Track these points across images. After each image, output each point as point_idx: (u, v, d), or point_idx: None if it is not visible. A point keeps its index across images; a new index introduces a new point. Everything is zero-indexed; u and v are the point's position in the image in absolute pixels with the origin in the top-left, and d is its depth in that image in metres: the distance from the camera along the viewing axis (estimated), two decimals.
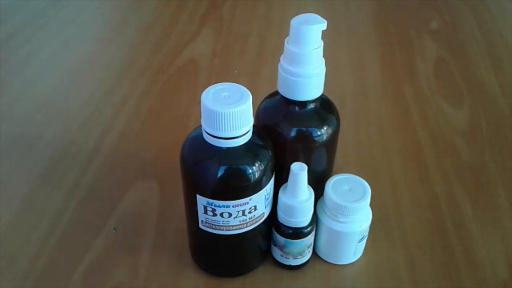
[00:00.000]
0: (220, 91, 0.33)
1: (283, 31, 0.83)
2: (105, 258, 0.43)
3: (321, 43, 0.36)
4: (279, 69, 0.37)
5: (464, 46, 0.74)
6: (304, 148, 0.39)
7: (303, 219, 0.38)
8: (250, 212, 0.35)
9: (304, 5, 0.85)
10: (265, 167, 0.34)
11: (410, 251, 0.44)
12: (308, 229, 0.39)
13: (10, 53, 0.71)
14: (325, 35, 0.35)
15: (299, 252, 0.40)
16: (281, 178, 0.38)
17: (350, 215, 0.39)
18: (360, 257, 0.43)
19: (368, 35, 0.77)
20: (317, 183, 0.40)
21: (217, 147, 0.33)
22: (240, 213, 0.35)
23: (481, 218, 0.47)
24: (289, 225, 0.39)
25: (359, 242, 0.41)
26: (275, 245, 0.41)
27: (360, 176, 0.40)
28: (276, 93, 0.39)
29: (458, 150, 0.55)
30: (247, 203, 0.35)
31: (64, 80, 0.66)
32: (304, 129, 0.39)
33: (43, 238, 0.44)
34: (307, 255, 0.41)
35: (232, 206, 0.34)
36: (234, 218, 0.35)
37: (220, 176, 0.33)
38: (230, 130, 0.32)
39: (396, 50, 0.73)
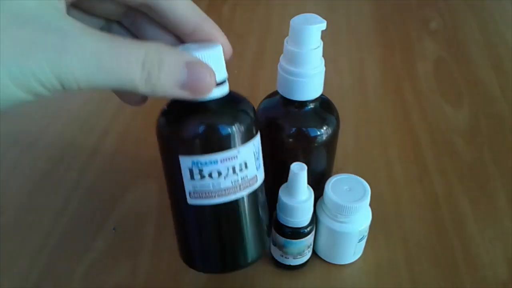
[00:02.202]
0: (190, 47, 0.32)
1: (283, 31, 0.83)
2: (105, 258, 0.43)
3: (320, 43, 0.36)
4: (279, 69, 0.37)
5: (464, 46, 0.74)
6: (303, 148, 0.39)
7: (303, 219, 0.38)
8: (241, 171, 0.33)
9: (304, 5, 0.85)
10: (248, 117, 0.33)
11: (410, 251, 0.44)
12: (308, 229, 0.39)
13: None
14: (325, 35, 0.35)
15: (299, 252, 0.40)
16: (281, 178, 0.38)
17: (350, 215, 0.39)
18: (360, 257, 0.43)
19: (368, 35, 0.77)
20: (317, 183, 0.40)
21: (193, 102, 0.31)
22: (230, 170, 0.32)
23: (481, 218, 0.47)
24: (289, 225, 0.39)
25: (359, 242, 0.41)
26: (275, 245, 0.41)
27: (360, 176, 0.40)
28: (276, 93, 0.39)
29: (457, 150, 0.55)
30: (236, 156, 0.32)
31: None
32: (303, 129, 0.39)
33: (43, 238, 0.44)
34: (307, 255, 0.41)
35: (220, 161, 0.32)
36: (224, 178, 0.32)
37: (201, 125, 0.32)
38: None
39: (396, 50, 0.73)
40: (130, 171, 0.52)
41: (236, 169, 0.32)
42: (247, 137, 0.33)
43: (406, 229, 0.46)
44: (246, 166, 0.33)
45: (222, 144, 0.31)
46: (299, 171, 0.36)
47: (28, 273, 0.42)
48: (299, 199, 0.37)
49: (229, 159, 0.32)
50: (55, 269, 0.42)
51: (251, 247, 0.36)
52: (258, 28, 0.78)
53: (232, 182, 0.33)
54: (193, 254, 0.36)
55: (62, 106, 0.61)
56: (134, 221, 0.46)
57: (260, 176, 0.35)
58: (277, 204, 0.39)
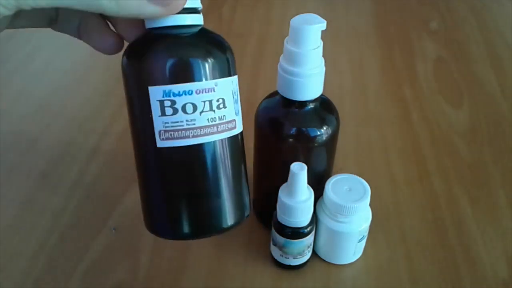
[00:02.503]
0: None
1: (283, 31, 0.83)
2: (105, 258, 0.43)
3: (320, 43, 0.36)
4: (279, 69, 0.37)
5: (464, 46, 0.74)
6: (303, 148, 0.39)
7: (303, 219, 0.38)
8: (219, 108, 0.29)
9: (304, 5, 0.85)
10: (225, 51, 0.30)
11: (410, 251, 0.44)
12: (308, 229, 0.39)
13: (10, 54, 0.71)
14: (325, 35, 0.35)
15: (299, 252, 0.40)
16: (281, 178, 0.38)
17: (350, 215, 0.39)
18: (360, 257, 0.43)
19: (368, 35, 0.77)
20: (317, 183, 0.40)
21: (163, 28, 0.28)
22: (207, 105, 0.28)
23: (481, 218, 0.47)
24: (289, 225, 0.39)
25: (358, 242, 0.41)
26: (275, 245, 0.41)
27: (360, 176, 0.40)
28: (276, 93, 0.39)
29: (458, 150, 0.55)
30: (213, 89, 0.28)
31: (63, 81, 0.66)
32: (303, 129, 0.39)
33: (43, 238, 0.44)
34: (307, 255, 0.41)
35: (196, 92, 0.28)
36: (200, 113, 0.28)
37: (177, 49, 0.28)
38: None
39: (396, 50, 0.73)
40: (130, 171, 0.51)
41: (213, 104, 0.28)
42: (225, 73, 0.29)
43: (406, 229, 0.46)
44: (224, 105, 0.29)
45: (199, 72, 0.28)
46: (299, 171, 0.36)
47: (28, 273, 0.42)
48: (299, 199, 0.37)
49: (205, 91, 0.28)
50: (55, 269, 0.42)
51: (230, 206, 0.30)
52: (258, 28, 0.78)
53: (208, 120, 0.28)
54: (160, 215, 0.31)
55: (62, 106, 0.61)
56: (134, 221, 0.46)
57: (239, 124, 0.31)
58: (277, 204, 0.39)
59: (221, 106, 0.29)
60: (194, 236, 0.31)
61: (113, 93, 0.63)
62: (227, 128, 0.29)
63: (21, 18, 0.29)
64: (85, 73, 0.68)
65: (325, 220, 0.40)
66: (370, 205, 0.40)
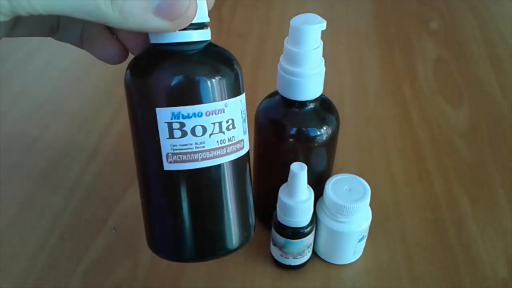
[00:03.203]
0: None
1: (283, 31, 0.83)
2: (105, 258, 0.43)
3: (320, 43, 0.36)
4: (279, 69, 0.37)
5: (464, 46, 0.74)
6: (304, 148, 0.39)
7: (303, 219, 0.38)
8: (228, 129, 0.28)
9: (304, 5, 0.85)
10: (235, 69, 0.29)
11: (410, 251, 0.44)
12: (308, 229, 0.39)
13: (10, 53, 0.71)
14: (324, 35, 0.35)
15: (299, 252, 0.40)
16: (281, 178, 0.38)
17: (350, 215, 0.39)
18: (360, 257, 0.43)
19: (367, 35, 0.77)
20: (317, 183, 0.40)
21: (168, 45, 0.27)
22: (217, 127, 0.27)
23: (481, 218, 0.47)
24: (289, 225, 0.39)
25: (358, 242, 0.41)
26: (275, 245, 0.41)
27: (360, 176, 0.40)
28: (276, 93, 0.39)
29: (458, 150, 0.55)
30: (223, 110, 0.27)
31: (63, 80, 0.66)
32: (303, 129, 0.39)
33: (43, 238, 0.44)
34: (307, 255, 0.41)
35: (206, 114, 0.27)
36: (210, 135, 0.27)
37: (187, 68, 0.27)
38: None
39: (395, 50, 0.73)
40: (130, 171, 0.51)
41: (223, 126, 0.27)
42: (234, 92, 0.28)
43: (406, 229, 0.46)
44: (233, 126, 0.28)
45: (208, 93, 0.27)
46: (299, 171, 0.36)
47: (28, 273, 0.42)
48: (299, 199, 0.37)
49: (215, 112, 0.27)
50: (55, 269, 0.42)
51: (236, 227, 0.30)
52: (258, 28, 0.78)
53: (218, 142, 0.27)
54: (163, 237, 0.30)
55: (62, 106, 0.61)
56: (134, 221, 0.46)
57: (247, 143, 0.30)
58: (277, 204, 0.39)
59: (231, 127, 0.28)
60: (199, 258, 0.31)
61: (113, 92, 0.63)
62: (235, 149, 0.28)
63: (20, 27, 0.28)
64: (85, 72, 0.68)
65: (325, 220, 0.40)
66: (370, 205, 0.40)
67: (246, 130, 0.30)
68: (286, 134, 0.39)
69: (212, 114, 0.27)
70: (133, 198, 0.49)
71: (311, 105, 0.38)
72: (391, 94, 0.64)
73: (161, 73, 0.27)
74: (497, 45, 0.74)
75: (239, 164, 0.29)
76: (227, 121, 0.28)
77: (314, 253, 0.43)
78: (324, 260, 0.43)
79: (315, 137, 0.38)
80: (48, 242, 0.44)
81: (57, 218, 0.46)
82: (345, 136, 0.44)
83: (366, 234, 0.41)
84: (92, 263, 0.42)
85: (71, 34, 0.31)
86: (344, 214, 0.39)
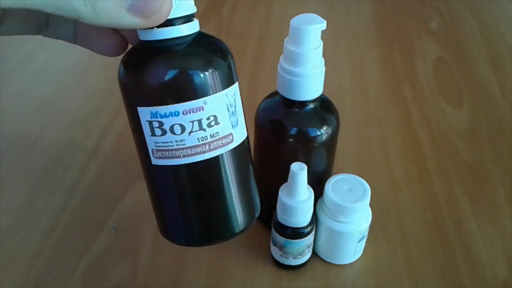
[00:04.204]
0: None
1: (283, 31, 0.83)
2: (105, 258, 0.43)
3: (320, 43, 0.36)
4: (279, 69, 0.37)
5: (464, 46, 0.74)
6: (304, 148, 0.39)
7: (303, 219, 0.38)
8: (210, 126, 0.27)
9: (304, 5, 0.85)
10: (219, 62, 0.28)
11: (410, 251, 0.44)
12: (308, 229, 0.39)
13: (10, 53, 0.71)
14: (324, 35, 0.35)
15: (299, 252, 0.40)
16: (281, 178, 0.38)
17: (350, 215, 0.39)
18: (360, 257, 0.43)
19: (368, 35, 0.77)
20: (317, 183, 0.40)
21: (152, 42, 0.27)
22: (196, 124, 0.27)
23: (481, 218, 0.47)
24: (289, 225, 0.39)
25: (358, 242, 0.41)
26: (275, 245, 0.41)
27: (360, 176, 0.40)
28: (276, 93, 0.39)
29: (458, 150, 0.55)
30: (202, 108, 0.27)
31: (64, 80, 0.66)
32: (304, 129, 0.39)
33: (43, 238, 0.44)
34: (307, 255, 0.41)
35: (183, 113, 0.27)
36: (189, 133, 0.27)
37: (157, 67, 0.27)
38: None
39: (396, 50, 0.73)
40: (130, 171, 0.52)
41: (203, 124, 0.27)
42: (218, 86, 0.27)
43: (406, 229, 0.46)
44: (216, 122, 0.28)
45: (185, 92, 0.27)
46: (299, 171, 0.36)
47: (28, 273, 0.42)
48: (299, 199, 0.37)
49: (193, 110, 0.27)
50: (55, 269, 0.42)
51: (233, 214, 0.31)
52: (258, 28, 0.78)
53: (199, 140, 0.28)
54: (168, 224, 0.31)
55: (62, 106, 0.61)
56: (134, 221, 0.46)
57: (239, 136, 0.29)
58: (277, 204, 0.39)
59: (213, 123, 0.28)
60: (204, 243, 0.32)
61: (113, 92, 0.63)
62: (221, 144, 0.28)
63: (6, 25, 0.28)
64: (85, 72, 0.68)
65: (325, 220, 0.40)
66: (370, 205, 0.40)
67: (237, 123, 0.29)
68: (286, 134, 0.39)
69: (190, 113, 0.27)
70: (133, 198, 0.49)
71: (311, 105, 0.38)
72: (391, 94, 0.64)
73: (139, 72, 0.27)
74: (497, 45, 0.74)
75: (228, 157, 0.29)
76: (208, 118, 0.27)
77: (314, 253, 0.43)
78: (324, 260, 0.43)
79: (315, 137, 0.38)
80: (48, 242, 0.44)
81: (57, 218, 0.46)
82: (345, 136, 0.44)
83: (366, 234, 0.41)
84: (92, 263, 0.42)
85: (63, 30, 0.31)
86: (344, 214, 0.39)
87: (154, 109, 0.27)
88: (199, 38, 0.28)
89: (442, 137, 0.57)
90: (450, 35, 0.77)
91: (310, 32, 0.34)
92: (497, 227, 0.46)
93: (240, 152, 0.30)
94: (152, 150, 0.28)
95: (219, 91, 0.28)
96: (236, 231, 0.30)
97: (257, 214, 0.32)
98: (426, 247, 0.44)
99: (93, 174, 0.51)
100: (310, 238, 0.40)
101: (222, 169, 0.29)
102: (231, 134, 0.29)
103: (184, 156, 0.28)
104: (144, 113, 0.27)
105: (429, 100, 0.63)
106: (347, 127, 0.51)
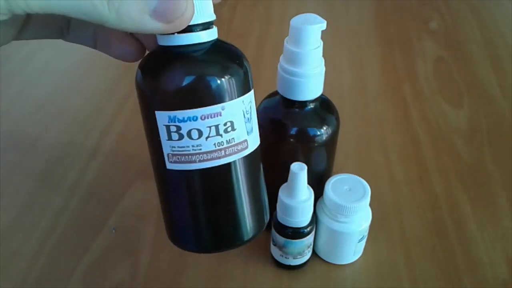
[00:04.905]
0: None
1: (283, 31, 0.82)
2: (105, 258, 0.43)
3: (320, 43, 0.36)
4: (279, 69, 0.37)
5: (464, 46, 0.74)
6: (304, 148, 0.39)
7: (303, 219, 0.38)
8: (226, 132, 0.28)
9: (304, 5, 0.85)
10: (237, 69, 0.28)
11: (410, 251, 0.44)
12: (308, 229, 0.39)
13: (10, 53, 0.71)
14: (324, 35, 0.35)
15: (299, 252, 0.40)
16: (281, 178, 0.38)
17: (350, 215, 0.39)
18: (360, 257, 0.43)
19: (368, 35, 0.77)
20: (317, 183, 0.40)
21: (172, 47, 0.27)
22: (213, 130, 0.28)
23: (481, 218, 0.47)
24: (289, 225, 0.39)
25: (359, 242, 0.41)
26: (275, 245, 0.41)
27: (360, 176, 0.40)
28: (276, 93, 0.39)
29: (457, 150, 0.55)
30: (220, 113, 0.28)
31: (64, 80, 0.66)
32: (304, 129, 0.39)
33: (43, 238, 0.44)
34: (307, 255, 0.41)
35: (201, 118, 0.27)
36: (206, 138, 0.28)
37: (177, 73, 0.27)
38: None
39: (396, 50, 0.73)
40: (130, 171, 0.52)
41: (220, 129, 0.28)
42: (235, 93, 0.28)
43: (406, 229, 0.46)
44: (233, 128, 0.28)
45: (204, 97, 0.27)
46: (299, 171, 0.36)
47: (28, 273, 0.42)
48: (299, 199, 0.37)
49: (211, 116, 0.27)
50: (55, 269, 0.42)
51: (243, 222, 0.31)
52: (258, 28, 0.78)
53: (215, 145, 0.28)
54: (178, 230, 0.31)
55: (62, 106, 0.61)
56: (134, 221, 0.46)
57: (253, 142, 0.30)
58: (277, 204, 0.39)
59: (229, 129, 0.28)
60: (213, 250, 0.32)
61: (114, 92, 0.63)
62: (236, 150, 0.29)
63: (29, 30, 0.28)
64: (85, 72, 0.68)
65: (325, 220, 0.40)
66: (370, 205, 0.40)
67: (252, 129, 0.30)
68: (286, 134, 0.39)
69: (208, 118, 0.27)
70: (133, 198, 0.49)
71: (311, 105, 0.38)
72: (391, 94, 0.64)
73: (158, 77, 0.27)
74: (497, 45, 0.74)
75: (242, 163, 0.29)
76: (225, 124, 0.28)
77: (314, 253, 0.43)
78: (324, 260, 0.43)
79: (315, 137, 0.38)
80: (48, 242, 0.44)
81: (57, 218, 0.46)
82: (345, 136, 0.44)
83: (366, 234, 0.41)
84: (92, 263, 0.42)
85: (83, 35, 0.31)
86: (344, 214, 0.39)
87: (173, 113, 0.27)
88: (217, 45, 0.29)
89: (442, 137, 0.57)
90: (450, 35, 0.77)
91: (310, 32, 0.34)
92: (497, 227, 0.46)
93: (253, 158, 0.30)
94: (168, 154, 0.28)
95: (237, 97, 0.28)
96: (246, 238, 0.30)
97: (267, 221, 0.32)
98: (426, 247, 0.44)
99: (93, 174, 0.51)
100: (310, 238, 0.40)
101: (236, 175, 0.29)
102: (246, 140, 0.29)
103: (200, 161, 0.28)
104: (162, 117, 0.27)
105: (429, 100, 0.63)
106: (347, 127, 0.51)
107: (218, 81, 0.27)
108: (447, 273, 0.42)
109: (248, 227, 0.31)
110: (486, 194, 0.50)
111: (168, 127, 0.28)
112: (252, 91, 0.30)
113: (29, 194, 0.49)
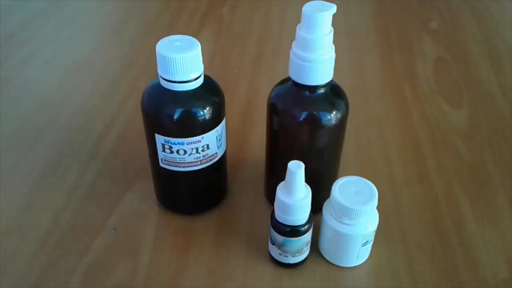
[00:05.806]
0: (173, 41, 0.37)
1: (283, 31, 0.83)
2: (105, 258, 0.43)
3: (331, 29, 0.37)
4: (291, 55, 0.38)
5: (464, 46, 0.74)
6: (313, 132, 0.40)
7: (301, 217, 0.38)
8: (203, 151, 0.40)
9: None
10: (214, 110, 0.39)
11: (410, 251, 0.44)
12: (306, 227, 0.39)
13: (10, 53, 0.71)
14: None
15: (298, 250, 0.40)
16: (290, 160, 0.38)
17: (355, 217, 0.38)
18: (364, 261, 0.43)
19: (368, 35, 0.77)
20: (327, 167, 0.41)
21: (171, 91, 0.38)
22: (194, 150, 0.40)
23: (481, 218, 0.47)
24: (287, 223, 0.39)
25: (362, 246, 0.40)
26: (273, 244, 0.41)
27: (360, 176, 0.40)
28: (287, 79, 0.40)
29: (457, 150, 0.55)
30: (200, 141, 0.39)
31: (64, 80, 0.66)
32: (314, 112, 0.39)
33: (43, 238, 0.44)
34: (306, 252, 0.41)
35: (186, 144, 0.39)
36: (189, 155, 0.40)
37: (173, 116, 0.38)
38: (182, 74, 0.37)
39: (396, 50, 0.73)
40: (130, 171, 0.52)
41: (199, 149, 0.40)
42: (212, 126, 0.40)
43: (406, 229, 0.46)
44: (208, 147, 0.40)
45: (190, 132, 0.39)
46: (296, 169, 0.36)
47: (28, 273, 0.42)
48: (296, 197, 0.38)
49: (193, 142, 0.39)
50: (55, 269, 0.42)
51: (207, 200, 0.47)
52: (258, 28, 0.78)
53: (195, 159, 0.41)
54: (164, 197, 0.47)
55: (62, 106, 0.61)
56: (134, 221, 0.46)
57: (221, 152, 0.43)
58: (275, 203, 0.39)
59: (205, 149, 0.41)
60: (188, 212, 0.47)
61: (113, 92, 0.63)
62: (208, 160, 0.42)
63: None
64: (85, 73, 0.68)
65: (330, 221, 0.40)
66: None
67: (221, 144, 0.42)
68: (297, 118, 0.39)
69: (191, 144, 0.40)
70: (133, 198, 0.49)
71: (322, 90, 0.39)
72: (391, 94, 0.64)
73: (159, 113, 0.39)
74: (497, 45, 0.74)
75: (212, 167, 0.43)
76: (203, 146, 0.40)
77: (318, 252, 0.43)
78: (326, 261, 0.42)
79: (324, 121, 0.39)
80: (48, 242, 0.44)
81: (57, 218, 0.46)
82: (345, 136, 0.44)
83: (371, 238, 0.41)
84: (92, 263, 0.42)
85: None
86: (349, 216, 0.38)
87: (167, 138, 0.39)
88: (203, 87, 0.39)
89: (442, 137, 0.57)
90: (450, 35, 0.77)
91: (323, 18, 0.35)
92: (497, 227, 0.46)
93: (219, 161, 0.43)
94: (161, 159, 0.42)
95: (212, 129, 0.40)
96: (208, 209, 0.47)
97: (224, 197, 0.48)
98: (426, 247, 0.44)
99: (93, 174, 0.51)
100: (308, 236, 0.40)
101: (205, 173, 0.43)
102: (216, 153, 0.42)
103: (183, 167, 0.41)
104: (160, 138, 0.40)
105: (429, 100, 0.63)
106: (347, 127, 0.51)
107: (201, 121, 0.39)
108: (447, 273, 0.42)
109: (208, 201, 0.47)
110: (486, 194, 0.50)
111: (163, 145, 0.40)
112: (224, 119, 0.41)
113: (29, 194, 0.49)
